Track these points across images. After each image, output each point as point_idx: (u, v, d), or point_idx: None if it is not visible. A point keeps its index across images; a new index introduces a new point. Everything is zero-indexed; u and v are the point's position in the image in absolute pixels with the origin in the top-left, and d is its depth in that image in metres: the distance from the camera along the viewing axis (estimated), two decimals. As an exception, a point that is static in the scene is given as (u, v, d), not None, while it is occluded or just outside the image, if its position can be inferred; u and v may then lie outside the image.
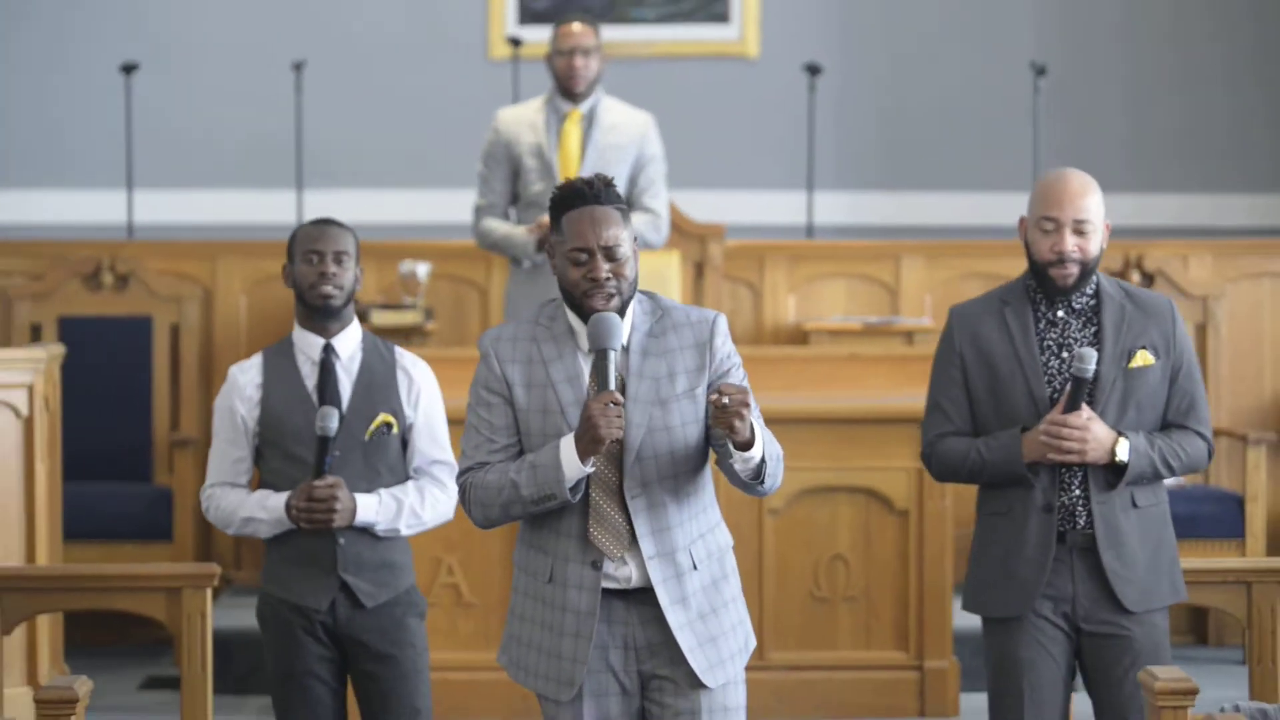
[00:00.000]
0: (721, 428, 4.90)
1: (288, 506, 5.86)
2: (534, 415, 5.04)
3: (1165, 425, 5.73)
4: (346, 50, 11.34)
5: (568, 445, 4.92)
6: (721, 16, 11.48)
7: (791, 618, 7.84)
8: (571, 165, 8.82)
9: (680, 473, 5.04)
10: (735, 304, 9.83)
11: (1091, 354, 5.57)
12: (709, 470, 5.12)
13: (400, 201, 11.21)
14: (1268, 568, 6.31)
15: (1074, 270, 5.66)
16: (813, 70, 10.66)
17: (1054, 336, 5.71)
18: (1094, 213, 5.67)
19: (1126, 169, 11.29)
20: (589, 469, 4.94)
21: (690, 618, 5.04)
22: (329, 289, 5.96)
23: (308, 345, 6.00)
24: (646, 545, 5.01)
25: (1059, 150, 11.06)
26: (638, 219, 8.81)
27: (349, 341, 6.01)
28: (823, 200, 10.89)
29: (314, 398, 5.93)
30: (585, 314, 5.01)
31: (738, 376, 5.08)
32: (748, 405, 4.87)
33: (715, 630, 5.07)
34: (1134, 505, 5.67)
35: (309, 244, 6.00)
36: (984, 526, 5.77)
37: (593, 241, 4.99)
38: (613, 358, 4.93)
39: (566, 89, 8.93)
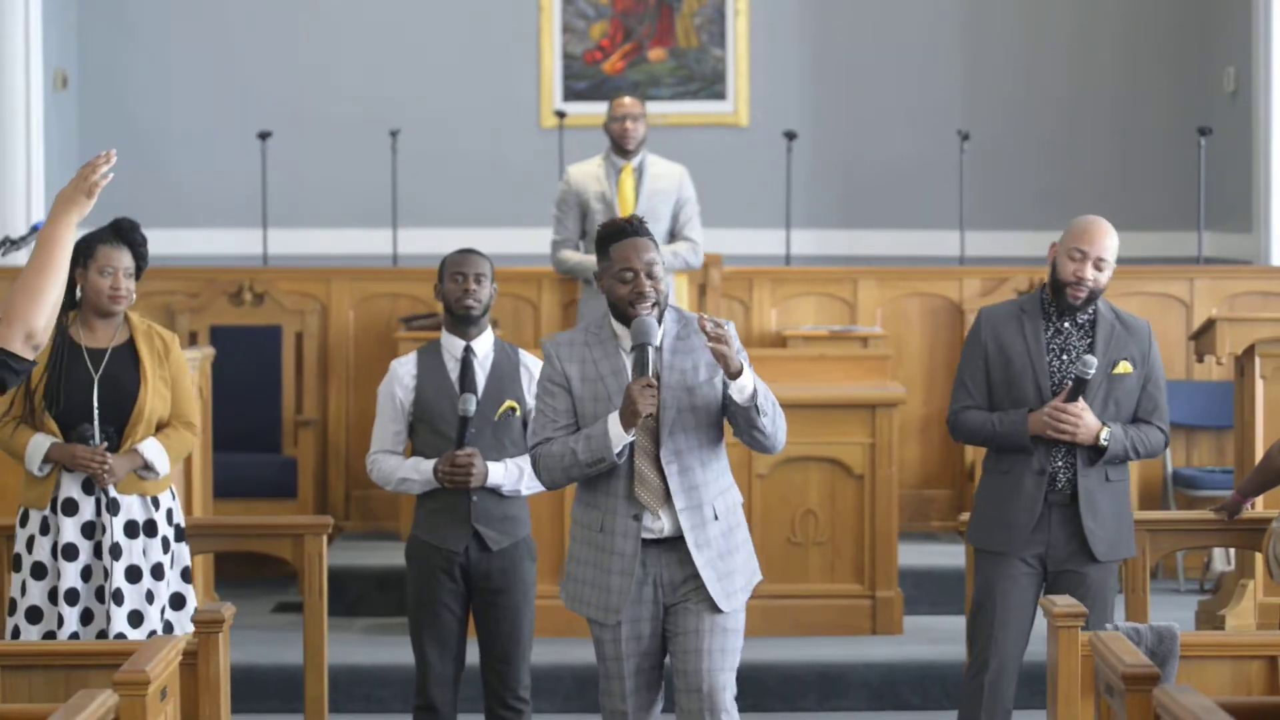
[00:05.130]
0: (715, 356, 4.90)
1: (435, 470, 5.84)
2: (587, 401, 5.07)
3: (1135, 419, 5.75)
4: (431, 121, 11.33)
5: (614, 419, 4.95)
6: (720, 95, 11.50)
7: (774, 557, 7.80)
8: (629, 207, 8.71)
9: (704, 443, 5.06)
10: (731, 316, 9.76)
11: (1094, 360, 5.58)
12: (724, 442, 5.14)
13: (472, 237, 11.06)
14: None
15: (1085, 293, 5.68)
16: (790, 136, 10.65)
17: (1058, 342, 5.73)
18: (1112, 255, 5.71)
19: (1030, 212, 11.29)
20: (630, 437, 4.95)
21: (710, 558, 5.06)
22: (471, 302, 5.91)
23: (452, 346, 5.96)
24: (679, 500, 5.03)
25: (979, 198, 11.06)
26: (681, 246, 8.76)
27: (484, 344, 5.97)
28: (798, 236, 10.87)
29: (456, 387, 5.90)
30: (630, 321, 5.03)
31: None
32: (719, 325, 4.88)
33: (730, 568, 5.09)
34: (1108, 480, 5.70)
35: (455, 267, 5.95)
36: (988, 482, 5.80)
37: (636, 263, 5.03)
38: (650, 352, 4.94)
39: (620, 147, 8.79)
